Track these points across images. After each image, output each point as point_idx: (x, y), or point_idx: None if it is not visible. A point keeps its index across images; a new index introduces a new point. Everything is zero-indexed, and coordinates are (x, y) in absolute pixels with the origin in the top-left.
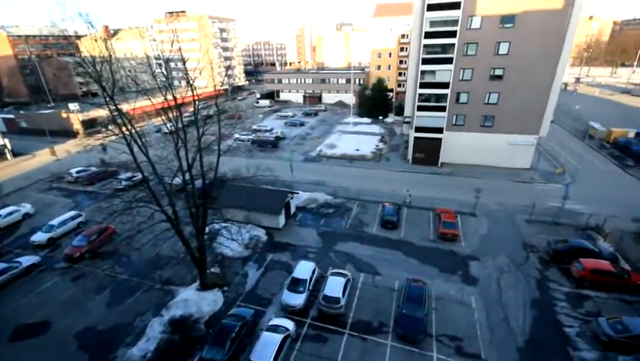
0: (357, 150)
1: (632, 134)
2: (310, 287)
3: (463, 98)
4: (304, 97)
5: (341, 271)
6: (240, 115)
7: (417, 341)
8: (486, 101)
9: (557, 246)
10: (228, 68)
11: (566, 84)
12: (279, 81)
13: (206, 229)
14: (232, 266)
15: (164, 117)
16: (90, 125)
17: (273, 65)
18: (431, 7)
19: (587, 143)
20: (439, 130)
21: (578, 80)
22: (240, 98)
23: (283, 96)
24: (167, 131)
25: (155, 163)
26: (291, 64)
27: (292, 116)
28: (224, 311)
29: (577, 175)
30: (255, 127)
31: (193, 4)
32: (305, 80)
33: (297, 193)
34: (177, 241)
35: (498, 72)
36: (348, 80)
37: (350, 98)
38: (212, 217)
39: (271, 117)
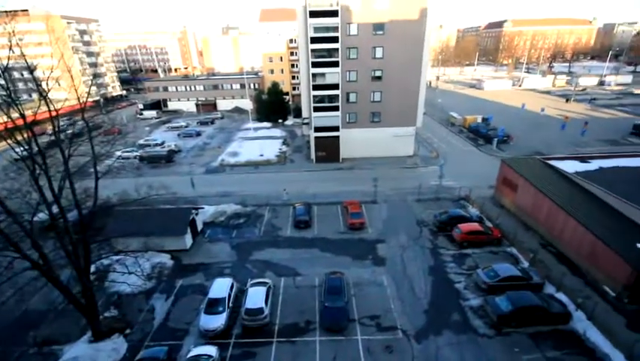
0: (262, 155)
1: (480, 120)
2: (230, 305)
3: (353, 97)
4: (197, 105)
5: (261, 280)
6: (119, 129)
7: (342, 329)
8: (372, 100)
9: (441, 217)
10: (95, 75)
11: (430, 82)
12: (165, 89)
13: (92, 268)
14: (133, 303)
15: (10, 141)
16: None
17: (155, 71)
18: (313, 14)
19: (450, 129)
20: (336, 128)
21: (438, 78)
22: (117, 108)
23: (172, 105)
24: (19, 157)
25: (4, 198)
26: (176, 70)
27: (186, 127)
28: (131, 358)
29: (447, 157)
30: (141, 141)
31: (45, 3)
32: (196, 87)
33: (202, 208)
34: (53, 290)
35: (378, 73)
36: (242, 85)
37: (247, 104)
38: (99, 252)
39: (160, 129)
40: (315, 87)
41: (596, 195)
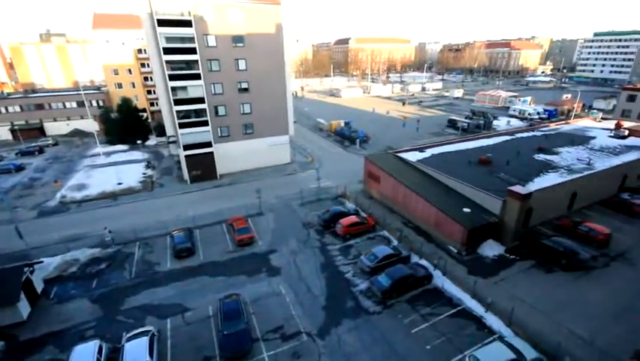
0: (120, 183)
1: (343, 124)
2: None
3: (222, 110)
4: (13, 131)
5: (141, 330)
6: None
7: (246, 353)
8: (242, 112)
9: (324, 216)
10: None
11: (295, 92)
12: None
13: None
14: None
15: None
16: None
17: None
18: (162, 23)
19: (319, 135)
20: (208, 144)
21: (302, 88)
22: None
23: None
24: None
25: None
26: None
27: None
28: None
29: (321, 160)
30: None
31: None
32: (7, 109)
33: (41, 262)
34: None
35: (244, 85)
36: (81, 103)
37: (91, 125)
38: None
39: None
40: (177, 102)
41: (432, 177)
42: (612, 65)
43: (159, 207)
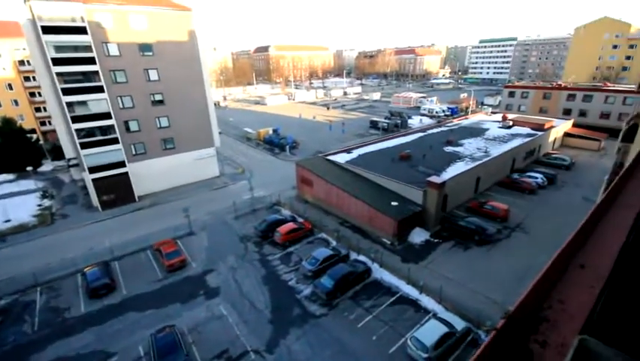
0: (8, 220)
1: (271, 132)
2: None
3: (134, 126)
4: None
5: None
6: None
7: None
8: (159, 126)
9: (260, 227)
10: None
11: (218, 102)
12: None
13: None
14: None
15: None
16: None
17: None
18: (48, 30)
19: (248, 144)
20: (121, 164)
21: (225, 98)
22: None
23: None
24: None
25: None
26: None
27: None
28: None
29: (252, 169)
30: None
31: None
32: None
33: None
34: None
35: (158, 97)
36: None
37: None
38: None
39: None
40: (76, 119)
41: (361, 176)
42: (495, 67)
43: (64, 242)
